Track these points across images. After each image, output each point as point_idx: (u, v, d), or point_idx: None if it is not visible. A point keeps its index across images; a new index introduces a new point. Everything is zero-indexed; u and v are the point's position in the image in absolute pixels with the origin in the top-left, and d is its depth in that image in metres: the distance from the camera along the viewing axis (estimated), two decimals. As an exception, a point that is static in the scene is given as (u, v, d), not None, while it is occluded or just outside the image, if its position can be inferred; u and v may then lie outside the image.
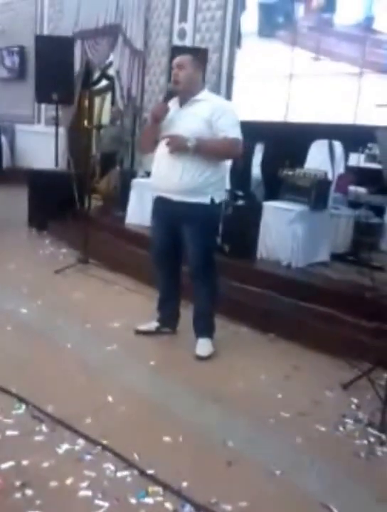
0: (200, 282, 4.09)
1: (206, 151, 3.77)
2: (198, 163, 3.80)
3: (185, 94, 3.89)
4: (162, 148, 3.91)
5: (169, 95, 3.93)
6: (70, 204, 7.75)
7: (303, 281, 5.13)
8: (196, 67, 3.93)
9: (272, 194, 5.91)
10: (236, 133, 3.79)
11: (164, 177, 3.91)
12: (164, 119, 3.86)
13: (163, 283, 4.36)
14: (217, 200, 3.94)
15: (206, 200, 3.88)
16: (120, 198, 7.59)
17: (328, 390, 3.71)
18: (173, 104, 3.94)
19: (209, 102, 3.86)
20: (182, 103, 3.90)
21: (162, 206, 4.06)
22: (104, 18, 9.84)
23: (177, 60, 3.88)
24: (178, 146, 3.76)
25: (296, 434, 3.16)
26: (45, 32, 11.83)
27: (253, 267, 5.56)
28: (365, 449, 3.06)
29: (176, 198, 3.89)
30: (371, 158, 5.67)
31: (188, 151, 3.74)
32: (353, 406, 3.52)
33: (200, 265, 4.03)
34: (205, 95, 3.92)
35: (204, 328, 4.17)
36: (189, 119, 3.81)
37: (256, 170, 6.64)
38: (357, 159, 5.78)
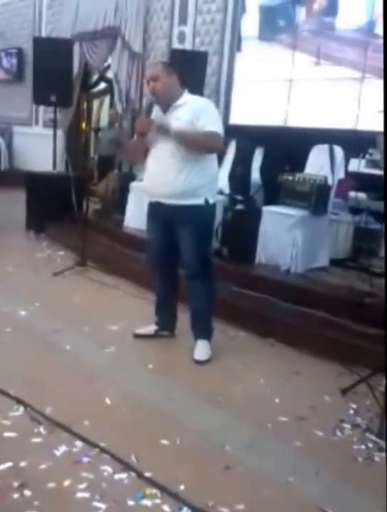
0: (197, 283, 4.08)
1: (185, 138, 3.77)
2: (189, 166, 3.82)
3: (166, 101, 3.91)
4: (153, 154, 3.96)
5: (150, 107, 3.95)
6: (68, 207, 7.74)
7: (302, 287, 5.12)
8: (170, 74, 3.91)
9: (272, 199, 5.91)
10: (215, 126, 3.78)
11: (157, 181, 3.94)
12: (150, 131, 3.87)
13: (160, 286, 4.36)
14: (211, 201, 3.95)
15: (200, 201, 3.89)
16: (118, 201, 7.58)
17: (327, 395, 3.70)
18: (156, 111, 3.98)
19: (189, 104, 3.87)
20: (165, 110, 3.93)
21: (157, 210, 4.07)
22: (103, 21, 9.82)
23: (148, 73, 3.93)
24: (160, 127, 3.82)
25: (294, 438, 3.15)
26: (44, 34, 11.80)
27: (252, 272, 5.56)
28: (363, 454, 3.05)
29: (170, 201, 3.91)
30: (372, 163, 5.66)
31: (169, 135, 3.77)
32: (351, 411, 3.51)
33: (196, 267, 4.03)
34: (185, 99, 3.92)
35: (202, 329, 4.17)
36: (174, 125, 3.80)
37: (255, 174, 6.65)
38: (357, 165, 5.77)
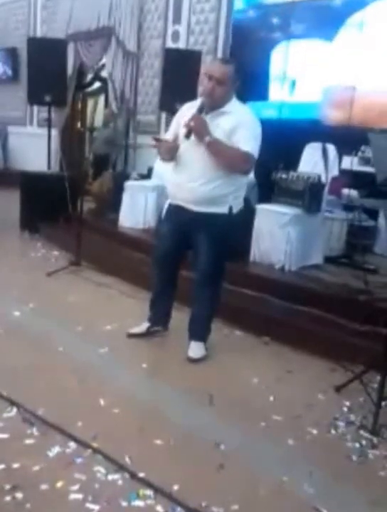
0: (205, 289, 4.06)
1: (217, 151, 3.65)
2: (218, 174, 3.72)
3: (214, 105, 3.74)
4: (183, 157, 3.84)
5: (202, 107, 3.70)
6: (63, 206, 7.73)
7: (296, 285, 5.12)
8: (235, 81, 3.72)
9: (266, 197, 5.90)
10: (250, 147, 3.65)
11: (183, 187, 3.84)
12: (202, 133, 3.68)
13: (159, 284, 4.31)
14: (235, 210, 3.88)
15: (224, 209, 3.83)
16: (113, 201, 7.57)
17: (320, 392, 3.70)
18: (188, 109, 3.85)
19: (234, 114, 3.72)
20: (208, 112, 3.73)
21: (177, 214, 3.99)
22: (97, 21, 9.84)
23: (217, 72, 3.65)
24: (199, 131, 3.63)
25: (288, 437, 3.15)
26: (39, 34, 11.82)
27: (246, 270, 5.55)
28: (357, 451, 3.06)
29: (194, 208, 3.84)
30: (364, 161, 5.67)
31: (202, 142, 3.63)
32: (345, 409, 3.52)
33: (209, 274, 3.99)
34: (232, 107, 3.77)
35: (200, 331, 4.15)
36: (211, 130, 3.66)
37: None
38: (350, 162, 5.77)
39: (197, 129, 3.64)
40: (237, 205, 3.93)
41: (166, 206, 4.17)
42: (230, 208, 3.84)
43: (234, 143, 3.66)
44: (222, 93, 3.68)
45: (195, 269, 4.07)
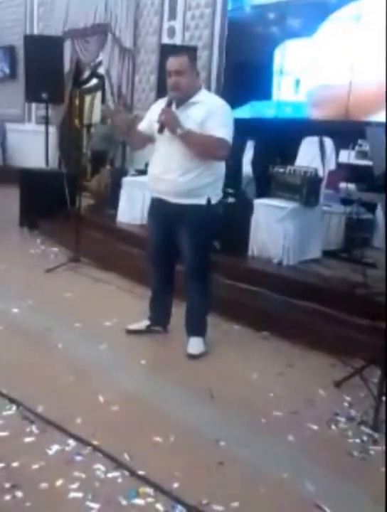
0: (194, 282, 4.06)
1: (190, 141, 3.68)
2: (195, 165, 3.74)
3: (184, 97, 3.78)
4: (160, 150, 3.88)
5: (171, 102, 3.77)
6: (61, 203, 7.72)
7: (295, 279, 5.11)
8: (193, 69, 3.81)
9: (264, 192, 5.90)
10: (224, 133, 3.69)
11: (161, 179, 3.86)
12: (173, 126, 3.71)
13: (157, 282, 4.33)
14: (213, 201, 3.89)
15: (202, 201, 3.83)
16: (111, 197, 7.56)
17: (321, 388, 3.70)
18: (159, 105, 3.91)
19: (204, 103, 3.76)
20: (178, 105, 3.79)
21: (159, 207, 4.02)
22: (93, 17, 9.81)
23: (174, 65, 3.73)
24: (170, 124, 3.67)
25: (288, 433, 3.14)
26: (35, 31, 11.79)
27: (245, 265, 5.55)
28: (358, 447, 3.05)
29: (173, 200, 3.86)
30: (362, 154, 5.66)
31: (174, 134, 3.67)
32: (345, 404, 3.51)
33: (195, 266, 4.00)
34: (201, 96, 3.82)
35: (196, 327, 4.15)
36: (182, 121, 3.68)
37: (247, 167, 6.63)
38: (347, 156, 5.76)
39: (168, 123, 3.68)
40: (216, 197, 3.93)
41: (150, 201, 4.19)
42: (209, 200, 3.85)
43: (206, 131, 3.69)
44: (185, 83, 3.73)
45: (182, 263, 4.09)
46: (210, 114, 3.70)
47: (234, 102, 7.42)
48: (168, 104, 3.76)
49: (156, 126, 3.77)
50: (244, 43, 7.59)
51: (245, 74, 7.32)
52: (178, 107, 3.80)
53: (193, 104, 3.78)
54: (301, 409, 3.42)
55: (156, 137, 3.89)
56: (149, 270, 4.36)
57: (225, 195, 5.71)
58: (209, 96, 3.94)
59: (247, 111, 7.40)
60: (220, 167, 3.93)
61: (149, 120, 3.98)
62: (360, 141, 5.73)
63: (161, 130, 3.73)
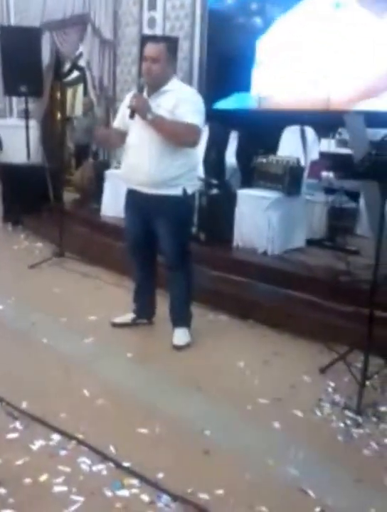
0: (175, 273, 4.07)
1: (162, 127, 3.66)
2: (167, 154, 3.73)
3: (155, 85, 3.78)
4: (132, 140, 3.86)
5: (142, 87, 3.76)
6: (45, 198, 7.69)
7: (280, 268, 5.12)
8: (169, 58, 3.81)
9: (248, 182, 5.91)
10: (195, 119, 3.67)
11: (134, 169, 3.85)
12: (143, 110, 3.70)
13: (138, 274, 4.32)
14: (189, 191, 3.88)
15: (178, 191, 3.82)
16: (95, 190, 7.53)
17: (306, 374, 3.72)
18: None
19: (174, 92, 3.76)
20: (150, 93, 3.79)
21: (134, 198, 4.01)
22: (71, 8, 9.66)
23: (151, 52, 3.72)
24: (141, 109, 3.64)
25: (273, 419, 3.16)
26: (12, 23, 11.62)
27: (230, 256, 5.55)
28: (342, 431, 3.08)
29: (148, 190, 3.84)
30: (342, 143, 5.67)
31: (145, 120, 3.64)
32: (330, 389, 3.54)
33: (174, 257, 4.00)
34: (172, 85, 3.81)
35: (180, 317, 4.16)
36: (153, 109, 3.67)
37: (231, 159, 6.62)
38: (328, 145, 5.77)
39: (138, 107, 3.65)
40: (192, 187, 3.93)
41: (125, 193, 4.17)
42: (184, 190, 3.85)
43: (178, 118, 3.68)
44: (158, 70, 3.72)
45: (162, 254, 4.10)
46: (181, 101, 3.69)
47: (217, 93, 7.53)
48: (140, 90, 3.75)
49: (128, 111, 3.75)
50: (226, 34, 7.54)
51: (227, 65, 7.26)
52: (149, 95, 3.78)
53: (164, 93, 3.77)
54: (287, 396, 3.45)
55: (129, 126, 3.87)
56: (130, 262, 4.35)
57: (209, 186, 5.76)
58: (180, 85, 3.93)
59: (230, 102, 7.38)
60: (194, 155, 3.94)
61: (123, 113, 3.97)
62: (340, 130, 5.74)
63: (132, 115, 3.70)
